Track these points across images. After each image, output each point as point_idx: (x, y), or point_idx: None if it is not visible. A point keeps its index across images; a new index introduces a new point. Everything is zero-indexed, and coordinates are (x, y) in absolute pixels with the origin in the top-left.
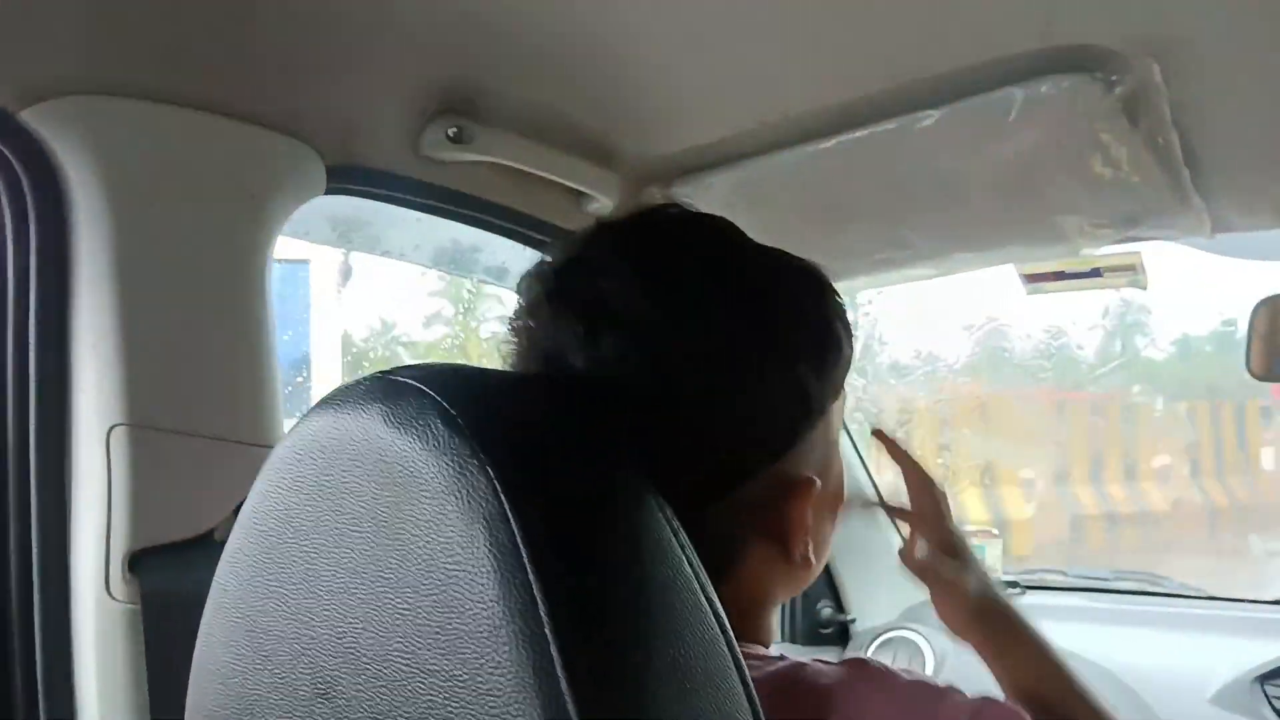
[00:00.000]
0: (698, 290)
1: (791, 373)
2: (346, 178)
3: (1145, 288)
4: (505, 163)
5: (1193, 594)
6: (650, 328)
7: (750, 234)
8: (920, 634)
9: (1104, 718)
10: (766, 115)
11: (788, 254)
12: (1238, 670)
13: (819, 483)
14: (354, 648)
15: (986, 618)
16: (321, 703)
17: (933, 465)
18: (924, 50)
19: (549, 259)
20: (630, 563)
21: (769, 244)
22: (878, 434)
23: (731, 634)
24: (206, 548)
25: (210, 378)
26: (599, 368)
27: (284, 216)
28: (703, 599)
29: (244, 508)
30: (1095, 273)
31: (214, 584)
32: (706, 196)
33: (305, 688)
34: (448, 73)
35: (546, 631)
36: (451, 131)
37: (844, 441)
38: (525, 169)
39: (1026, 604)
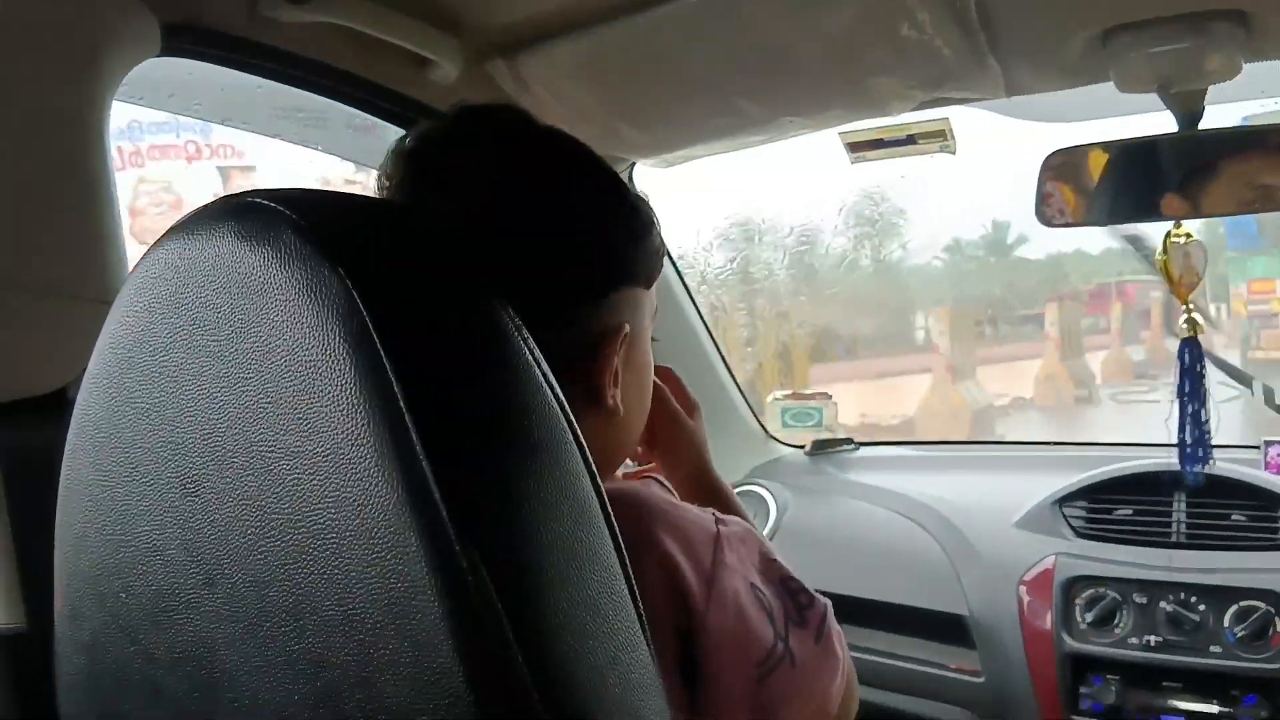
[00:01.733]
0: (534, 168)
1: (609, 237)
2: (183, 38)
3: (954, 153)
4: (346, 25)
5: (1004, 440)
6: (494, 190)
7: (595, 105)
8: (765, 488)
9: None
10: None
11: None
12: (1040, 497)
13: (628, 328)
14: (219, 444)
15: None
16: (190, 500)
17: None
18: None
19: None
20: (478, 342)
21: (612, 115)
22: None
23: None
24: (60, 404)
25: (51, 234)
26: (443, 216)
27: (119, 75)
28: (542, 379)
29: (100, 337)
30: (910, 139)
31: (75, 410)
32: (549, 66)
33: (174, 490)
34: None
35: (402, 405)
36: None
37: None
38: (367, 32)
39: (860, 456)
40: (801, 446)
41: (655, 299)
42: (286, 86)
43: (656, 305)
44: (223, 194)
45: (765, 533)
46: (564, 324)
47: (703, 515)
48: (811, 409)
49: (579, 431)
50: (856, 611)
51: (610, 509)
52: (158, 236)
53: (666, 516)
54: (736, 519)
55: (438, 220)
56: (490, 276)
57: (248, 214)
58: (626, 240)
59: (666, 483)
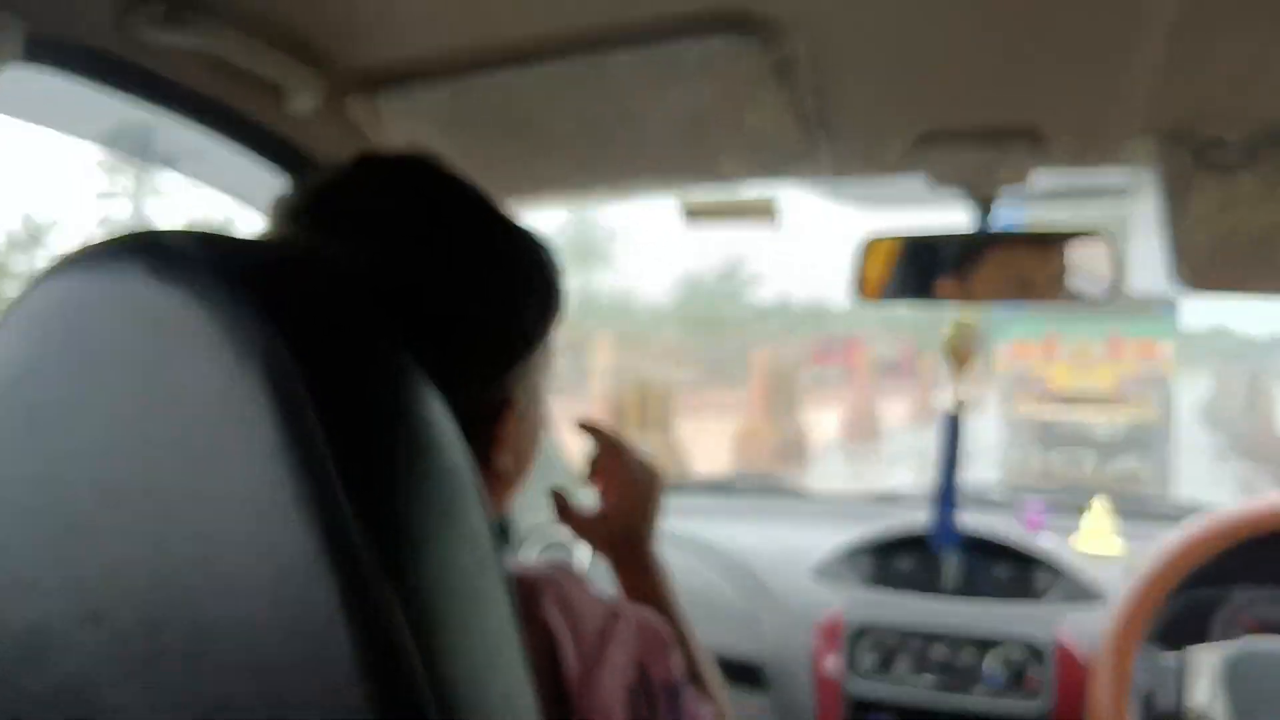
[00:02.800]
0: (447, 226)
1: (520, 315)
2: (46, 50)
3: (779, 226)
4: (212, 52)
5: (802, 491)
6: (398, 247)
7: (452, 152)
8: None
9: (689, 630)
10: (475, 37)
11: (524, 227)
12: (832, 546)
13: (525, 403)
14: (113, 483)
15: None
16: (74, 536)
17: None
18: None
19: (307, 179)
20: (398, 390)
21: (466, 163)
22: (585, 426)
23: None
24: None
25: None
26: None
27: None
28: (450, 429)
29: None
30: (742, 211)
31: None
32: (410, 112)
33: (55, 525)
34: None
35: (325, 451)
36: (161, 12)
37: None
38: (231, 61)
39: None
40: None
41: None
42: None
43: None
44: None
45: None
46: (464, 391)
47: (600, 608)
48: None
49: (482, 490)
50: None
51: (506, 566)
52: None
53: (566, 604)
54: (641, 616)
55: (350, 265)
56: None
57: (158, 252)
58: (536, 314)
59: (582, 570)
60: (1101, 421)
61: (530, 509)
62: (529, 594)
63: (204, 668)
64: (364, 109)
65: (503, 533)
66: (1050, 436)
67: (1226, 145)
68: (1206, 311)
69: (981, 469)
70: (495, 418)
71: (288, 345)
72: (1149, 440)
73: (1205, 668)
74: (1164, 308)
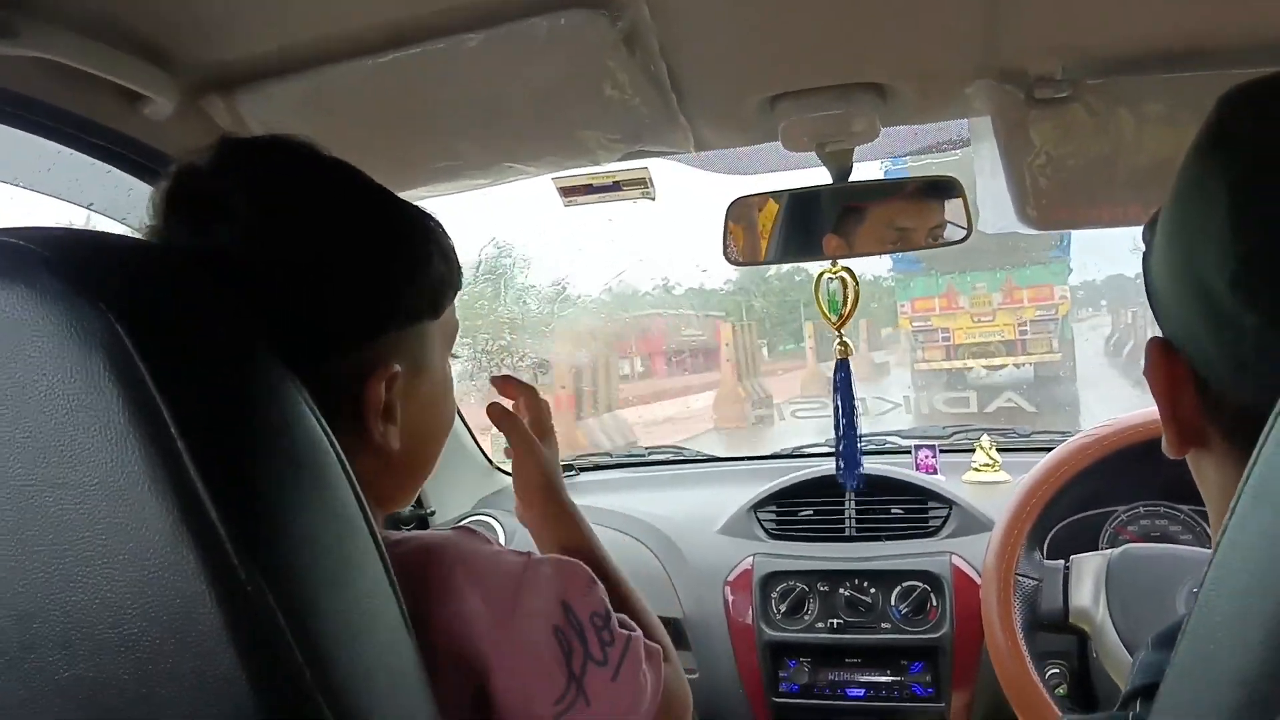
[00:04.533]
0: (295, 203)
1: (376, 277)
2: None
3: (654, 198)
4: (55, 59)
5: (707, 457)
6: (255, 225)
7: (319, 143)
8: (494, 517)
9: (618, 573)
10: (324, 28)
11: (401, 200)
12: (738, 505)
13: (398, 368)
14: None
15: (551, 494)
16: None
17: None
18: None
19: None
20: (241, 370)
21: (336, 153)
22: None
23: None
24: None
25: None
26: (206, 251)
27: None
28: (303, 403)
29: None
30: (615, 186)
31: None
32: (267, 106)
33: None
34: None
35: (173, 432)
36: None
37: None
38: (77, 67)
39: (580, 481)
40: None
41: (453, 323)
42: None
43: (456, 329)
44: None
45: None
46: (329, 360)
47: (509, 560)
48: None
49: (342, 453)
50: None
51: (375, 524)
52: None
53: (467, 563)
54: (557, 557)
55: (200, 255)
56: (255, 310)
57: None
58: (399, 278)
59: (496, 527)
60: (1005, 365)
61: (455, 505)
62: (427, 558)
63: (78, 652)
64: (222, 107)
65: (422, 524)
66: (953, 384)
67: (1054, 80)
68: (1106, 262)
69: (894, 421)
70: (366, 378)
71: (129, 334)
72: (1055, 379)
73: (1088, 572)
74: (1056, 253)
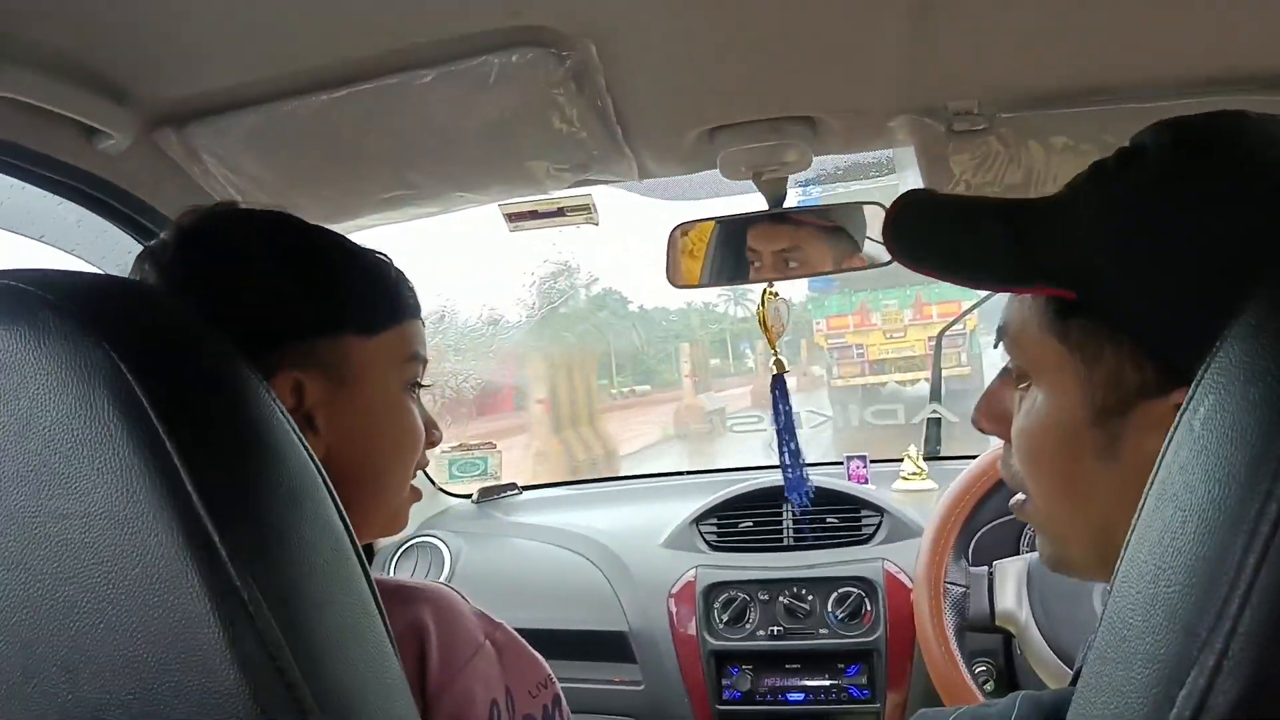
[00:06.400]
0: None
1: (263, 291)
2: None
3: (597, 224)
4: (11, 96)
5: (649, 473)
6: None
7: (269, 174)
8: (438, 538)
9: None
10: (279, 64)
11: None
12: (680, 519)
13: (299, 375)
14: None
15: None
16: None
17: None
18: (418, 18)
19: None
20: (237, 401)
21: (287, 186)
22: None
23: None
24: None
25: None
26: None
27: None
28: (291, 432)
29: None
30: (560, 212)
31: None
32: (221, 139)
33: None
34: None
35: (176, 462)
36: None
37: None
38: (33, 103)
39: (524, 500)
40: (469, 496)
41: (407, 349)
42: None
43: (414, 355)
44: None
45: (441, 579)
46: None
47: (480, 623)
48: (476, 459)
49: (327, 478)
50: (532, 643)
51: (358, 543)
52: None
53: (441, 608)
54: (523, 646)
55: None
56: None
57: (1, 293)
58: (286, 293)
59: (441, 548)
60: (918, 381)
61: None
62: (409, 598)
63: (81, 676)
64: (176, 141)
65: (367, 549)
66: (870, 400)
67: (971, 114)
68: None
69: (817, 436)
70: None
71: (130, 369)
72: (964, 393)
73: (1011, 576)
74: None
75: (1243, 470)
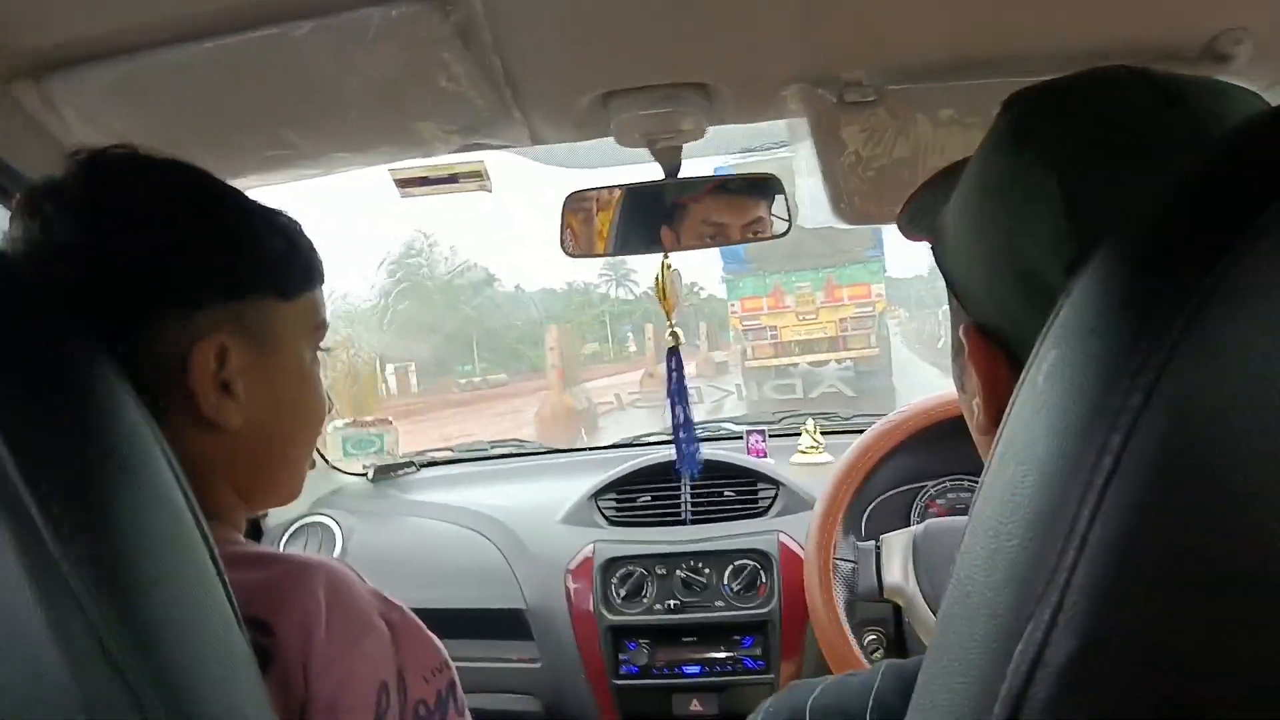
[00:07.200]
0: (108, 191)
1: (186, 250)
2: None
3: (491, 190)
4: None
5: (547, 449)
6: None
7: (136, 131)
8: (330, 517)
9: None
10: (144, 11)
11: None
12: (578, 495)
13: (225, 339)
14: None
15: None
16: None
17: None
18: None
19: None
20: (60, 370)
21: (155, 143)
22: None
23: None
24: None
25: None
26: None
27: None
28: (126, 397)
29: None
30: (452, 178)
31: None
32: (81, 92)
33: None
34: None
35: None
36: None
37: None
38: None
39: (422, 478)
40: (364, 474)
41: (316, 316)
42: None
43: (322, 323)
44: None
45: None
46: (149, 336)
47: (375, 601)
48: (373, 436)
49: (166, 446)
50: (428, 623)
51: (201, 515)
52: None
53: (334, 582)
54: (421, 627)
55: (34, 261)
56: (74, 296)
57: None
58: (213, 252)
59: (333, 528)
60: (829, 362)
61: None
62: (300, 571)
63: None
64: (34, 94)
65: (254, 526)
66: (780, 378)
67: (861, 85)
68: (914, 261)
69: (728, 408)
70: (194, 354)
71: None
72: (873, 371)
73: (897, 549)
74: (873, 252)
75: (1081, 422)
